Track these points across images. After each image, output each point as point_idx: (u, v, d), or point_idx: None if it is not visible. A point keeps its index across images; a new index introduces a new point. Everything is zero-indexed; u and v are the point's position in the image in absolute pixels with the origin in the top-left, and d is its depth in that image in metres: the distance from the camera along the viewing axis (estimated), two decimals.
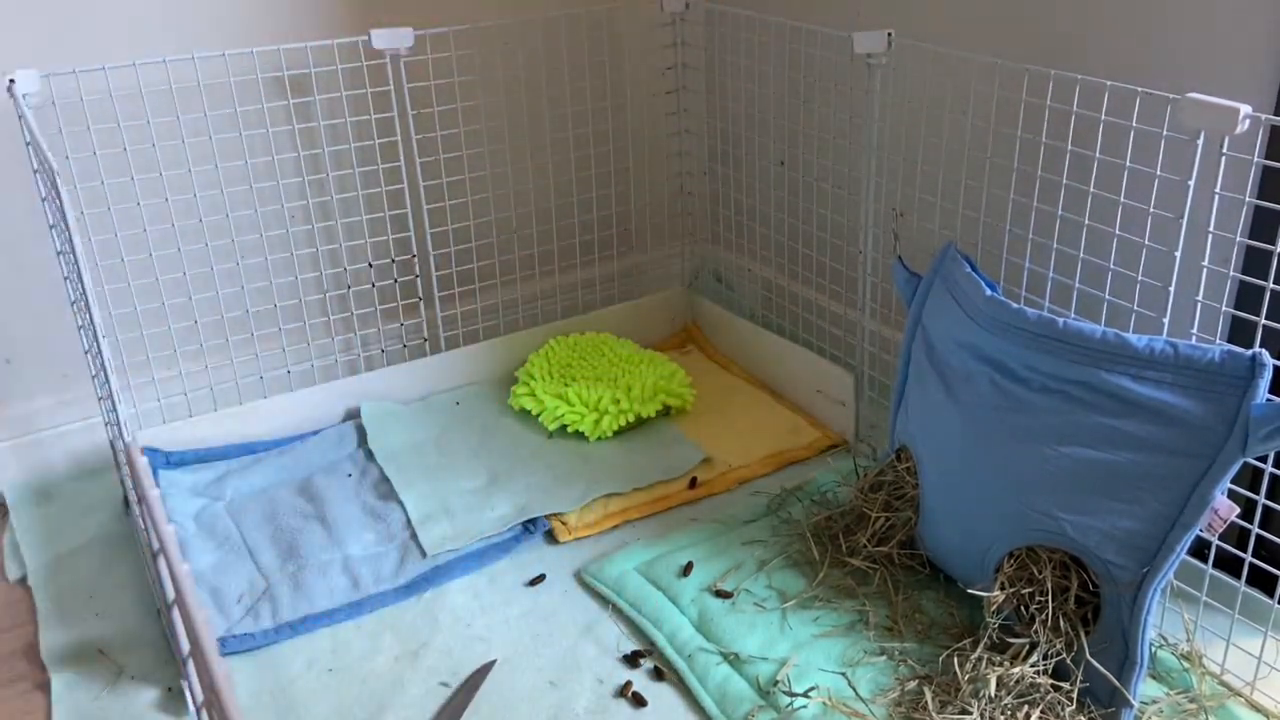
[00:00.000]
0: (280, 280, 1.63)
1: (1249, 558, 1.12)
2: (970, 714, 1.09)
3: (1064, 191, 1.22)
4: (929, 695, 1.13)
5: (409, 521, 1.45)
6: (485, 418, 1.69)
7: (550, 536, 1.44)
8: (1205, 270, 1.07)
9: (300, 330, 1.70)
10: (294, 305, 1.67)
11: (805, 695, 1.15)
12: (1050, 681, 1.11)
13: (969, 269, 1.20)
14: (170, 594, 0.45)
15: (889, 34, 1.37)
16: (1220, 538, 1.08)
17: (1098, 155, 1.17)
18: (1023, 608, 1.15)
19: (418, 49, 1.57)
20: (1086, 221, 1.19)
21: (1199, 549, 1.12)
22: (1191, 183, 1.07)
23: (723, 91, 1.82)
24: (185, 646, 0.46)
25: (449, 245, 1.73)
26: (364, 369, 1.74)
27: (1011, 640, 1.14)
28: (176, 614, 0.46)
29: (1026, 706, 1.09)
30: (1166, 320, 1.12)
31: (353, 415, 1.69)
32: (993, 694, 1.10)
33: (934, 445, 1.24)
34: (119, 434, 1.37)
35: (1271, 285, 1.02)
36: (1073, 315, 1.21)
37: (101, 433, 1.61)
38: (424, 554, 1.39)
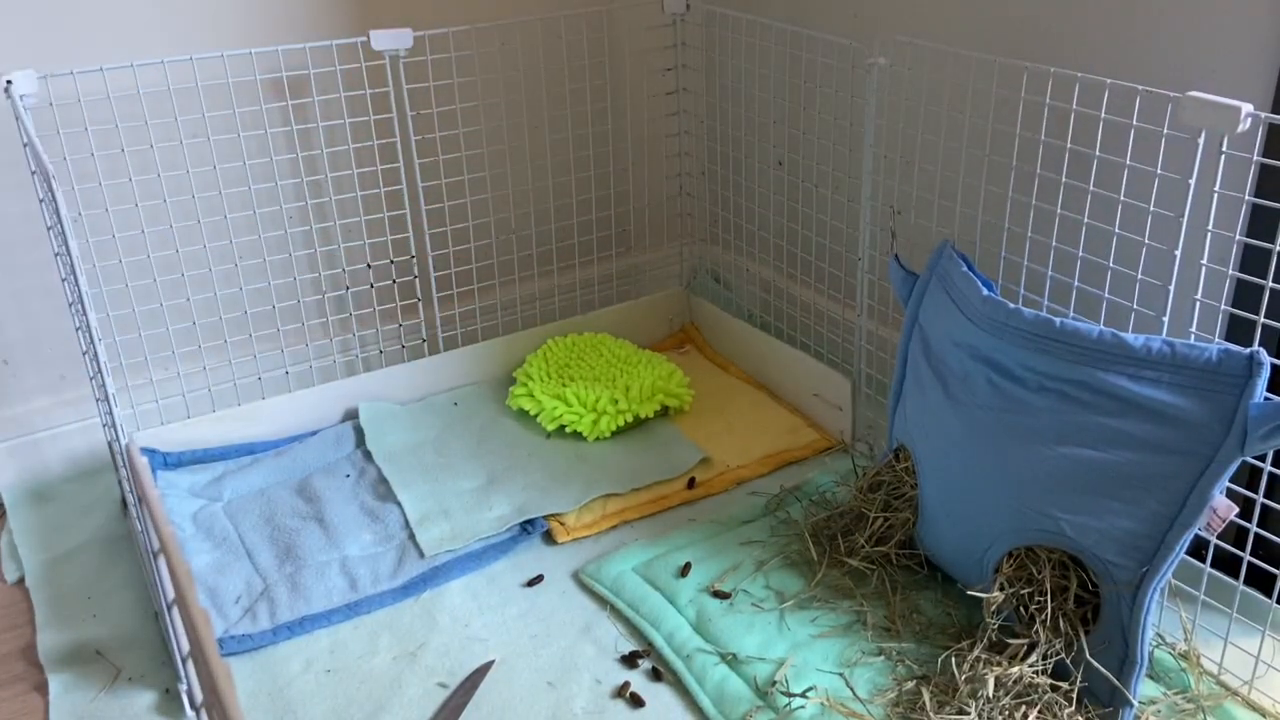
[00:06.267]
0: (278, 281, 1.63)
1: (1247, 557, 1.12)
2: (968, 714, 1.09)
3: (1063, 190, 1.22)
4: (927, 696, 1.13)
5: (407, 522, 1.45)
6: (483, 418, 1.69)
7: (548, 537, 1.44)
8: (1204, 269, 1.08)
9: (298, 331, 1.70)
10: (292, 306, 1.66)
11: (803, 695, 1.15)
12: (1049, 681, 1.11)
13: (966, 268, 1.20)
14: (170, 594, 0.45)
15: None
16: (1219, 537, 1.08)
17: (1097, 153, 1.17)
18: (1022, 608, 1.15)
19: (417, 50, 1.57)
20: (1086, 220, 1.19)
21: (1197, 548, 1.12)
22: (1192, 181, 1.07)
23: (722, 93, 1.82)
24: (185, 647, 0.46)
25: (448, 246, 1.73)
26: (362, 370, 1.74)
27: (1010, 640, 1.14)
28: (176, 614, 0.46)
29: (1025, 707, 1.09)
30: (1166, 319, 1.12)
31: (351, 416, 1.69)
32: (991, 694, 1.10)
33: (932, 445, 1.24)
34: (116, 435, 1.37)
35: (1270, 284, 1.02)
36: (1071, 314, 1.21)
37: (99, 434, 1.61)
38: (422, 555, 1.39)
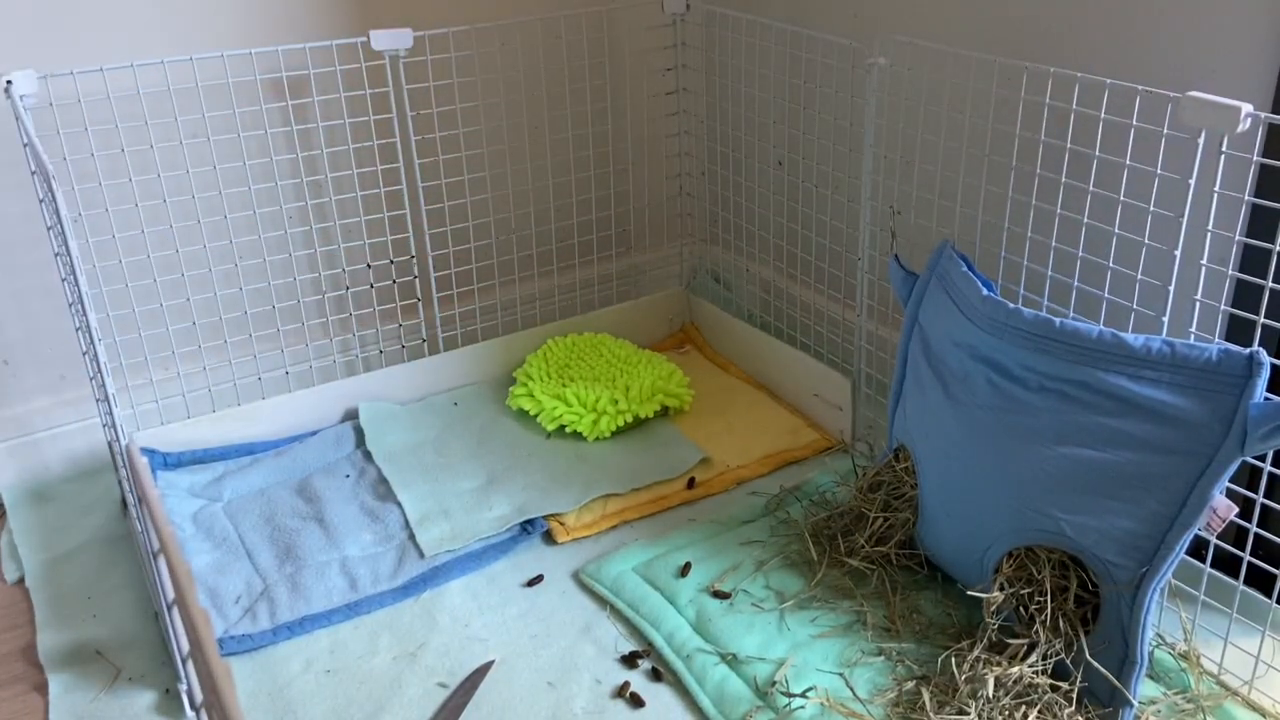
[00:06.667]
0: (278, 281, 1.63)
1: (1247, 556, 1.12)
2: (968, 714, 1.09)
3: (1063, 190, 1.22)
4: (926, 696, 1.13)
5: (407, 522, 1.45)
6: (483, 418, 1.69)
7: (548, 537, 1.44)
8: (1204, 269, 1.08)
9: (298, 331, 1.70)
10: (292, 306, 1.67)
11: (803, 696, 1.15)
12: (1049, 681, 1.11)
13: (965, 268, 1.20)
14: (170, 594, 0.45)
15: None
16: (1219, 537, 1.08)
17: (1097, 153, 1.17)
18: (1022, 608, 1.15)
19: (416, 50, 1.57)
20: (1086, 220, 1.19)
21: (1197, 548, 1.12)
22: (1192, 181, 1.07)
23: (722, 93, 1.83)
24: (185, 647, 0.46)
25: (448, 246, 1.73)
26: (362, 370, 1.74)
27: (1010, 640, 1.14)
28: (176, 614, 0.46)
29: (1024, 707, 1.09)
30: (1166, 319, 1.12)
31: (351, 416, 1.69)
32: (990, 694, 1.10)
33: (932, 445, 1.24)
34: (116, 435, 1.37)
35: (1270, 284, 1.02)
36: (1071, 314, 1.21)
37: (99, 434, 1.61)
38: (422, 555, 1.39)
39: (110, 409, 1.16)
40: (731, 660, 1.21)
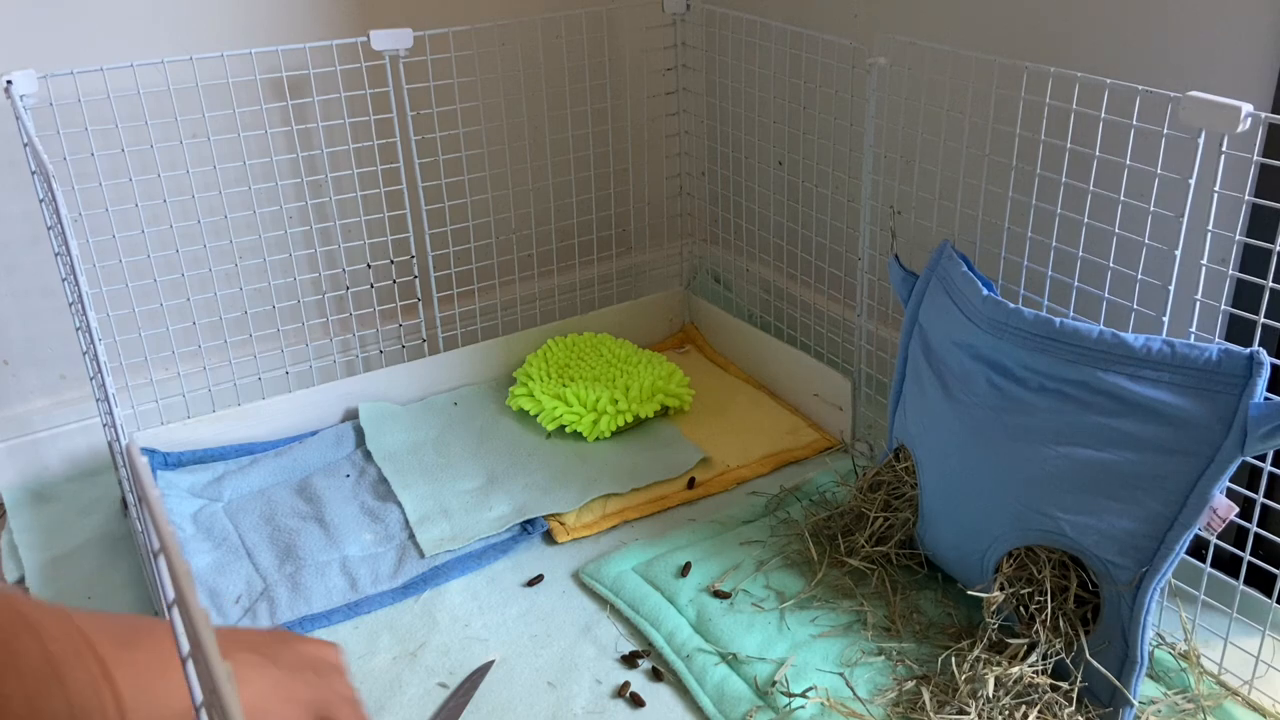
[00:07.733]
0: (278, 281, 1.63)
1: (1247, 556, 1.12)
2: (968, 714, 1.09)
3: (1063, 190, 1.22)
4: (927, 695, 1.13)
5: (407, 522, 1.45)
6: (483, 418, 1.69)
7: (548, 537, 1.44)
8: (1204, 269, 1.08)
9: (298, 331, 1.70)
10: (292, 306, 1.67)
11: (803, 695, 1.15)
12: (1049, 681, 1.11)
13: (965, 268, 1.20)
14: (170, 594, 0.45)
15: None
16: (1219, 537, 1.08)
17: (1097, 153, 1.17)
18: (1022, 608, 1.16)
19: (417, 50, 1.57)
20: (1086, 220, 1.19)
21: (1197, 548, 1.12)
22: (1192, 181, 1.07)
23: (722, 93, 1.83)
24: (185, 647, 0.46)
25: (448, 246, 1.73)
26: (362, 370, 1.74)
27: (1010, 640, 1.14)
28: (176, 614, 0.46)
29: (1025, 707, 1.09)
30: (1166, 319, 1.12)
31: (351, 416, 1.69)
32: (990, 694, 1.10)
33: (932, 445, 1.24)
34: (116, 435, 1.37)
35: (1270, 284, 1.02)
36: (1071, 314, 1.21)
37: (99, 434, 1.61)
38: (422, 555, 1.39)
39: (110, 409, 1.16)
40: (731, 660, 1.21)
